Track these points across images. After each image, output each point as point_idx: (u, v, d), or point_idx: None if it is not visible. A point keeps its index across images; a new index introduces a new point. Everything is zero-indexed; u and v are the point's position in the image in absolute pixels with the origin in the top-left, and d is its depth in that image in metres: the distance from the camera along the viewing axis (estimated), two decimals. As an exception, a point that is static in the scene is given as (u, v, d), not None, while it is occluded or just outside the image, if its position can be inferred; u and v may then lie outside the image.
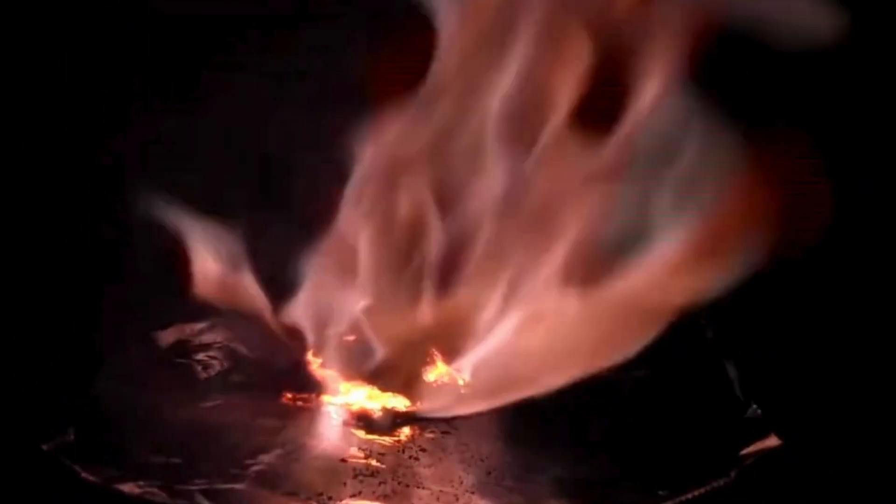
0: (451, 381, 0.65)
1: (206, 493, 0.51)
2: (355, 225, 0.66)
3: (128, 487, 0.52)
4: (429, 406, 0.62)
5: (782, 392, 0.68)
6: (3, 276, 0.74)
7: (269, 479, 0.53)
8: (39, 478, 0.54)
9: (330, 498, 0.52)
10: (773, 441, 0.57)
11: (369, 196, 0.66)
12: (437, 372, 0.65)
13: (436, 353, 0.67)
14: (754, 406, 0.61)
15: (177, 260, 0.76)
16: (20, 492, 0.55)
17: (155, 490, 0.51)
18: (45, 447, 0.54)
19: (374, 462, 0.56)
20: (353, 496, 0.52)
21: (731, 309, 0.80)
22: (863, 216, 0.83)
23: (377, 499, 0.53)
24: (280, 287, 0.70)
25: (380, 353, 0.64)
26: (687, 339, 0.68)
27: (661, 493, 0.54)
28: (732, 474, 0.55)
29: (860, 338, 0.77)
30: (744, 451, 0.57)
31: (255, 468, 0.54)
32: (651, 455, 0.58)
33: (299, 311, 0.66)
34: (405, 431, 0.60)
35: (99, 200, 0.77)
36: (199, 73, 0.77)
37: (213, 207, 0.69)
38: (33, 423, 0.56)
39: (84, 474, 0.53)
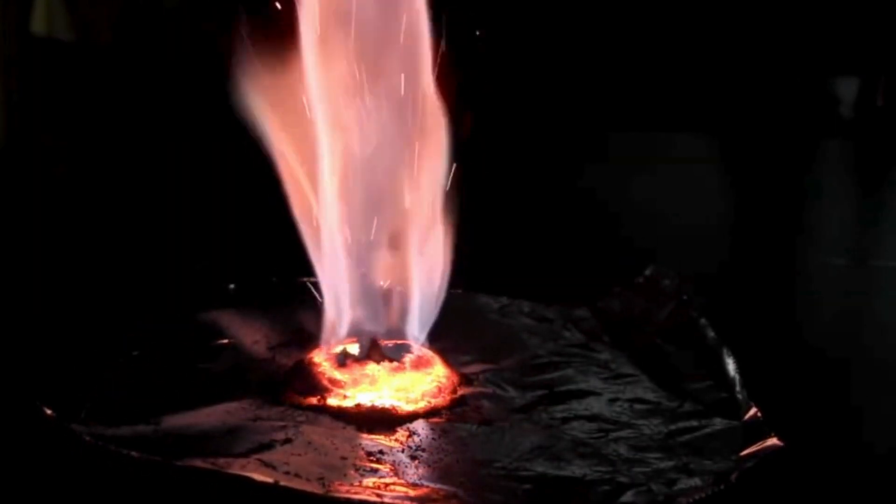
0: (450, 382, 0.65)
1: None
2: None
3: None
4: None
5: (783, 393, 0.68)
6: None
7: (269, 465, 0.53)
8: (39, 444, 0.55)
9: (331, 483, 0.52)
10: (774, 443, 0.57)
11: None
12: (435, 374, 0.65)
13: (435, 354, 0.67)
14: (755, 408, 0.60)
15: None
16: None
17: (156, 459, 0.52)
18: (49, 412, 0.54)
19: (374, 461, 0.56)
20: (352, 487, 0.52)
21: (732, 309, 0.80)
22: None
23: (377, 488, 0.53)
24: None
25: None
26: (686, 339, 0.68)
27: (661, 496, 0.53)
28: (733, 477, 0.55)
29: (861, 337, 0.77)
30: (744, 453, 0.57)
31: (256, 458, 0.54)
32: (651, 457, 0.58)
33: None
34: (405, 432, 0.60)
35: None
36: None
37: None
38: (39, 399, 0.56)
39: (86, 437, 0.53)
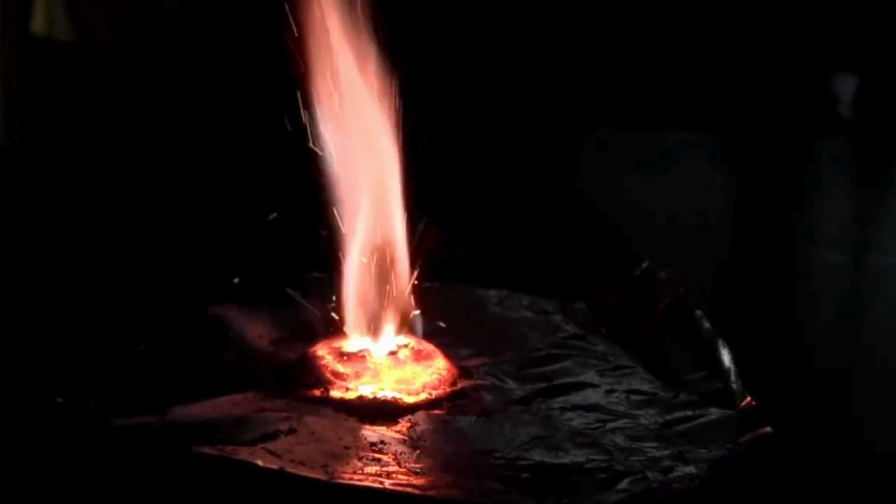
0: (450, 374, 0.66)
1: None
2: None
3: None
4: None
5: (779, 385, 0.69)
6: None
7: (274, 453, 0.54)
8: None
9: (334, 470, 0.53)
10: (768, 431, 0.58)
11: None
12: (436, 366, 0.67)
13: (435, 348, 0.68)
14: (749, 398, 0.61)
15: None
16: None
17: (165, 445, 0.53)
18: (59, 400, 0.55)
19: (376, 451, 0.57)
20: (355, 475, 0.54)
21: (728, 299, 0.81)
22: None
23: (379, 476, 0.54)
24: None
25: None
26: (683, 331, 0.70)
27: (656, 483, 0.55)
28: (727, 464, 0.56)
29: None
30: (738, 441, 0.58)
31: (261, 447, 0.55)
32: (647, 446, 0.59)
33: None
34: (406, 423, 0.61)
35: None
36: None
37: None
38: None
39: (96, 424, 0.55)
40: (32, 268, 0.88)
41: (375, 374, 0.65)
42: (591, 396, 0.65)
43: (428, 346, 0.68)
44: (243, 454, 0.53)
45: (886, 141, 1.73)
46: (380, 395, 0.63)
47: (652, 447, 0.58)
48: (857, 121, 1.79)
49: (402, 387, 0.64)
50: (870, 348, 0.79)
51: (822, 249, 1.08)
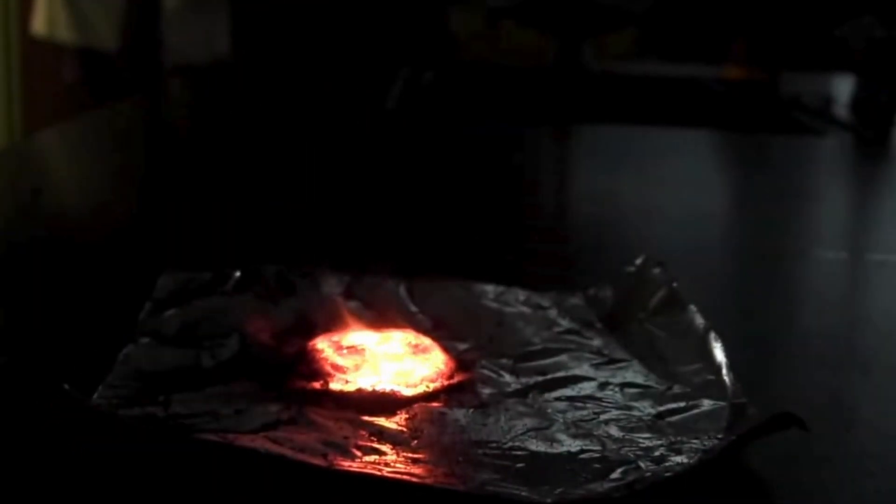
0: (448, 367, 0.67)
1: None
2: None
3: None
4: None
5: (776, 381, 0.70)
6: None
7: (275, 441, 0.55)
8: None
9: (334, 458, 0.55)
10: (758, 419, 0.59)
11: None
12: (434, 360, 0.68)
13: (434, 342, 0.69)
14: (741, 389, 0.62)
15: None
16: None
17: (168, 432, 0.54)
18: (66, 386, 0.56)
19: (375, 441, 0.58)
20: (354, 463, 0.55)
21: (726, 297, 0.82)
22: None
23: (377, 464, 0.55)
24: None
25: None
26: (676, 325, 0.70)
27: (648, 472, 0.56)
28: (717, 453, 0.57)
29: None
30: (729, 431, 0.59)
31: (263, 435, 0.56)
32: (640, 437, 0.60)
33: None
34: (404, 414, 0.62)
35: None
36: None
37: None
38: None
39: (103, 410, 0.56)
40: (34, 260, 0.89)
41: (374, 367, 0.66)
42: (586, 389, 0.66)
43: (426, 341, 0.69)
44: (245, 441, 0.55)
45: (885, 139, 1.74)
46: (378, 387, 0.64)
47: (645, 438, 0.59)
48: (856, 120, 1.80)
49: (401, 380, 0.65)
50: (868, 345, 0.80)
51: (822, 248, 1.08)
